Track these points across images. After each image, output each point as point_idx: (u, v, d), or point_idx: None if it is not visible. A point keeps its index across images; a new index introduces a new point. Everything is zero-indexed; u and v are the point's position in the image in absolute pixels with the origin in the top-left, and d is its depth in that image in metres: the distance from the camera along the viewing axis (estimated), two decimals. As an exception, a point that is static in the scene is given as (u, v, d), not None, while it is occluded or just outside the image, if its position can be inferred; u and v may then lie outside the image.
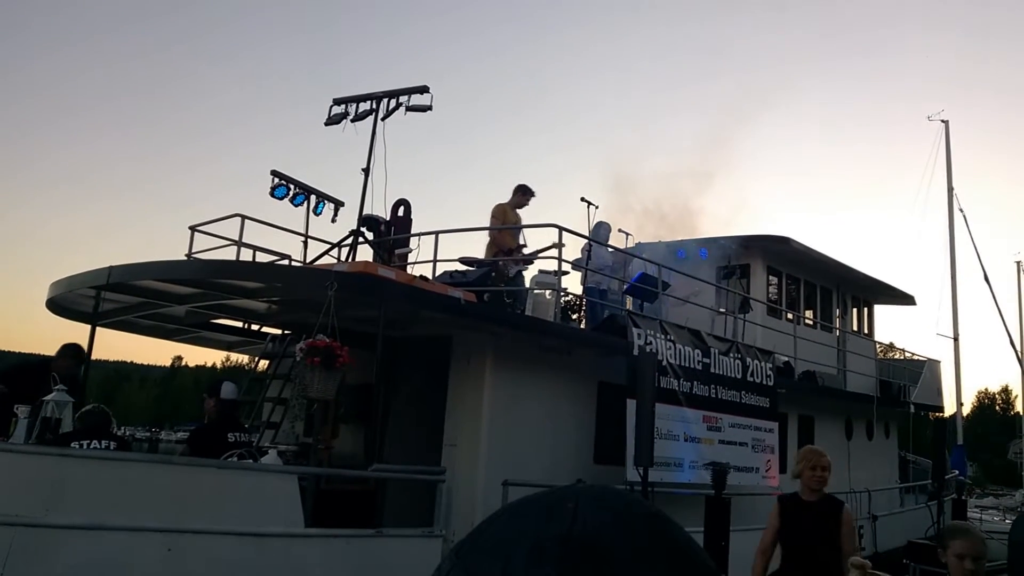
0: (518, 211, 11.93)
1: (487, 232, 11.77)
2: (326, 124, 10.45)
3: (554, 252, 10.74)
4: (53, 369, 9.02)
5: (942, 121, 25.88)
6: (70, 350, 9.28)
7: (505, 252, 11.43)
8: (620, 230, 13.36)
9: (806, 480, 5.67)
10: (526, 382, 10.05)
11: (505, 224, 11.63)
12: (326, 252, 10.89)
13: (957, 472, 19.25)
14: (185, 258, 10.15)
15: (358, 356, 8.26)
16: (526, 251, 11.60)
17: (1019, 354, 27.66)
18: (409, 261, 10.75)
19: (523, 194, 11.99)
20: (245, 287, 9.12)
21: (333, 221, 11.28)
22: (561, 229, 10.74)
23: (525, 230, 11.82)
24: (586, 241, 12.23)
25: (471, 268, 11.17)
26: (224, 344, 13.30)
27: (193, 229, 10.54)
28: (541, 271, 11.34)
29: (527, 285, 11.29)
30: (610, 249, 12.92)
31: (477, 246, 12.58)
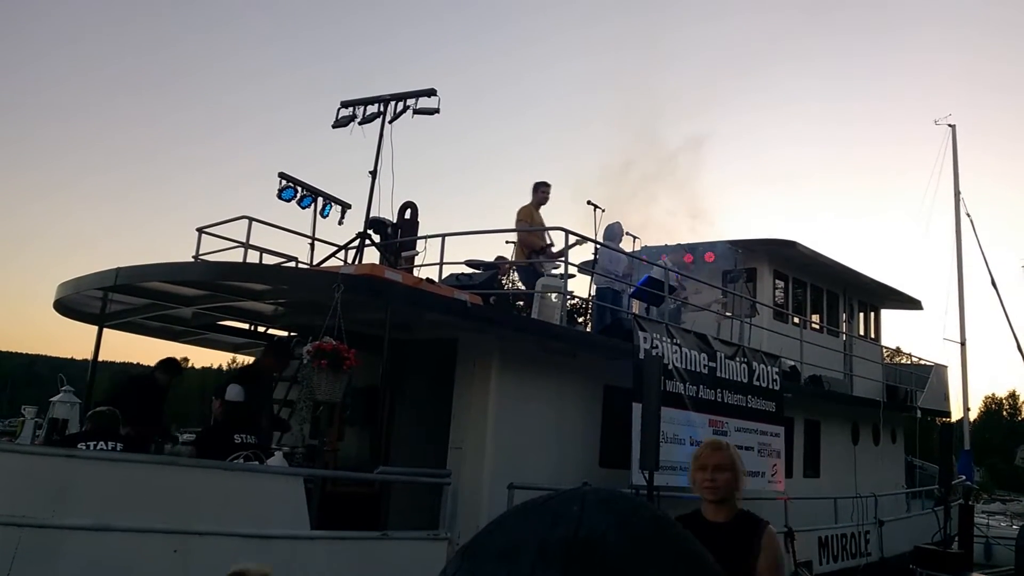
0: (540, 209, 11.94)
1: (516, 235, 11.79)
2: (334, 127, 10.48)
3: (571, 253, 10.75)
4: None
5: (949, 125, 25.78)
6: (164, 364, 9.89)
7: (537, 252, 11.44)
8: (628, 233, 13.37)
9: (698, 488, 4.02)
10: (532, 385, 10.05)
11: (533, 225, 11.62)
12: (333, 254, 10.92)
13: (964, 477, 19.18)
14: (192, 260, 10.18)
15: (364, 359, 8.28)
16: (553, 250, 11.63)
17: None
18: (416, 264, 10.78)
19: (543, 190, 12.01)
20: (252, 289, 9.15)
21: (340, 223, 11.31)
22: (568, 232, 10.76)
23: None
24: (597, 243, 12.23)
25: (477, 271, 11.19)
26: (230, 346, 13.34)
27: (200, 231, 10.57)
28: (548, 274, 11.35)
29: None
30: (622, 254, 12.90)
31: (484, 249, 12.62)
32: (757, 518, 4.08)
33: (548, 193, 12.05)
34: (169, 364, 9.85)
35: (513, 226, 11.82)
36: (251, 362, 9.93)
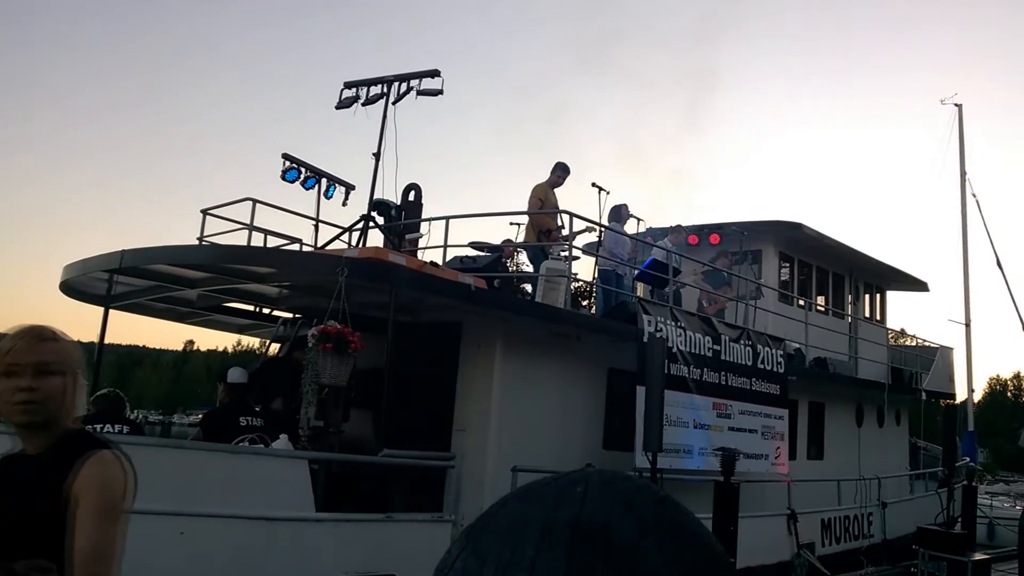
0: (555, 190, 11.94)
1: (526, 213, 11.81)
2: (337, 108, 10.45)
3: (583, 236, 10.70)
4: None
5: (955, 105, 25.60)
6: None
7: (545, 233, 11.41)
8: (632, 215, 13.34)
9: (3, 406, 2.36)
10: (536, 368, 10.06)
11: (545, 204, 11.58)
12: (337, 237, 10.92)
13: (968, 459, 19.20)
14: (197, 242, 10.18)
15: (369, 341, 8.29)
16: (564, 232, 11.65)
17: (1031, 341, 27.45)
18: (420, 246, 10.77)
19: (561, 172, 12.00)
20: (256, 272, 9.15)
21: (344, 204, 11.32)
22: (572, 215, 10.76)
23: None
24: (604, 226, 12.22)
25: (482, 253, 11.18)
26: (236, 327, 13.37)
27: (205, 213, 10.57)
28: (552, 257, 11.33)
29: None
30: (627, 237, 12.88)
31: (488, 231, 12.63)
32: (92, 439, 2.50)
33: (564, 178, 12.02)
34: (303, 340, 9.52)
35: (521, 206, 11.82)
36: (282, 355, 10.01)
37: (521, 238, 12.53)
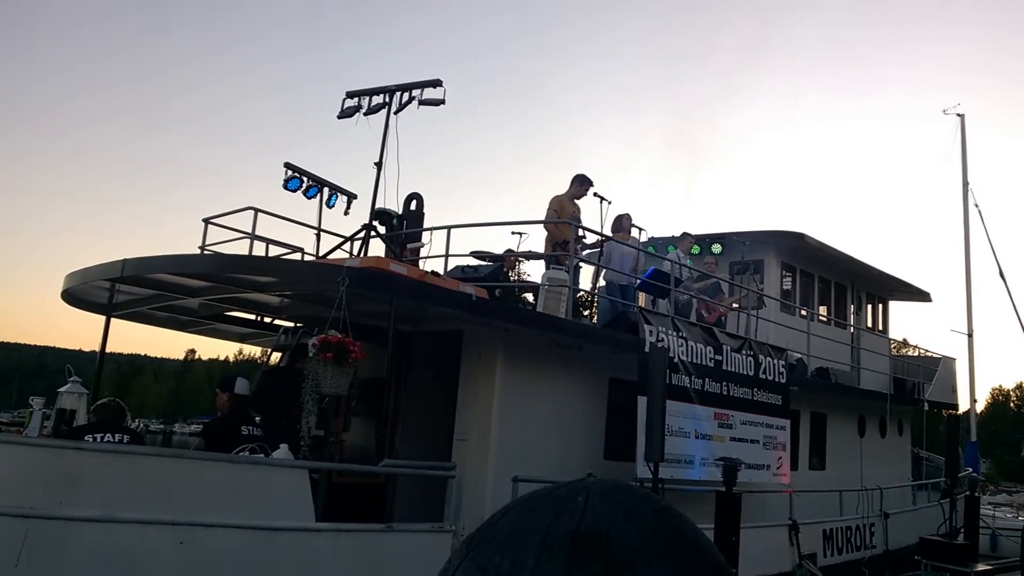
0: (576, 202, 11.92)
1: (544, 224, 11.83)
2: (339, 117, 10.46)
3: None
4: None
5: (958, 115, 25.57)
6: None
7: (560, 244, 11.43)
8: (633, 224, 13.34)
9: None
10: (537, 378, 10.04)
11: (561, 216, 11.57)
12: (338, 246, 10.92)
13: (970, 469, 19.15)
14: (198, 251, 10.19)
15: (369, 350, 8.28)
16: (586, 242, 11.63)
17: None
18: (421, 256, 10.77)
19: (580, 184, 12.00)
20: (258, 281, 9.15)
21: (346, 214, 11.32)
22: (575, 225, 10.75)
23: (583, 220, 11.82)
24: (604, 237, 12.23)
25: (483, 263, 11.17)
26: (237, 336, 13.37)
27: (207, 222, 10.58)
28: (553, 267, 11.34)
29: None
30: (627, 248, 12.89)
31: (490, 241, 12.62)
32: None
33: (585, 190, 11.99)
34: (304, 349, 9.65)
35: (525, 215, 11.86)
36: (283, 364, 10.04)
37: (523, 247, 12.52)
